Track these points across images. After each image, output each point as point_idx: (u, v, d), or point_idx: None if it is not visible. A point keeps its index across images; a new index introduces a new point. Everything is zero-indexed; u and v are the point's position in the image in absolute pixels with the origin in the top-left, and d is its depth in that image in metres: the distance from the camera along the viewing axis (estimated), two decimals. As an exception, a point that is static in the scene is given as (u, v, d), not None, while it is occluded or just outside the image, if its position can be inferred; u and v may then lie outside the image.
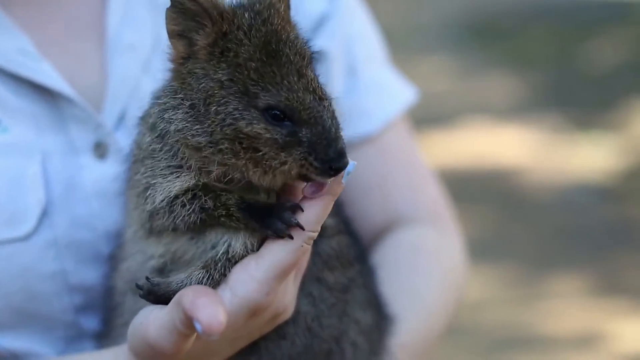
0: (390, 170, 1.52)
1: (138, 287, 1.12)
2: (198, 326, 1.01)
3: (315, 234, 1.07)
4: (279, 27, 1.07)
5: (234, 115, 1.04)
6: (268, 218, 1.05)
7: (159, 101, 1.11)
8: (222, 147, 1.05)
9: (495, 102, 6.25)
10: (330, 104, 1.06)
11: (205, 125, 1.05)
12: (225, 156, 1.05)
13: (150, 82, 1.37)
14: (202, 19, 1.05)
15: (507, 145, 5.62)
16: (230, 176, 1.07)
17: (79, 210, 1.32)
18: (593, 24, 7.71)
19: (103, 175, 1.33)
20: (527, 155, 5.52)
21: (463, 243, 1.57)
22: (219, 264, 1.09)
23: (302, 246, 1.06)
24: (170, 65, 1.11)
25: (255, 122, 1.04)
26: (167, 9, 1.06)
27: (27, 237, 1.29)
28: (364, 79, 1.52)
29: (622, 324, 3.98)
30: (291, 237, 1.04)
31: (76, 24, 1.39)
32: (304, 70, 1.06)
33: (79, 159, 1.33)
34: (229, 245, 1.09)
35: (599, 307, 4.11)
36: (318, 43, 1.43)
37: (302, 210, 1.04)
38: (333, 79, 1.46)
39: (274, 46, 1.05)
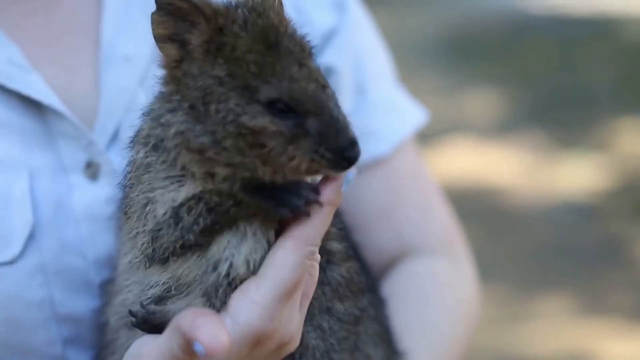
0: (400, 195, 1.45)
1: (132, 314, 1.04)
2: (199, 347, 0.93)
3: (317, 248, 1.00)
4: (275, 21, 1.01)
5: (235, 110, 0.97)
6: (282, 194, 0.98)
7: (151, 112, 1.04)
8: (226, 145, 0.98)
9: (479, 120, 6.22)
10: (334, 93, 1.00)
11: (207, 124, 0.98)
12: (231, 155, 0.98)
13: (147, 96, 1.29)
14: (194, 18, 0.99)
15: (491, 163, 5.59)
16: (238, 178, 1.00)
17: (68, 234, 1.23)
18: (577, 41, 7.73)
19: (94, 197, 1.24)
20: (511, 174, 5.50)
21: (475, 272, 1.50)
22: (220, 290, 1.01)
23: (304, 261, 0.98)
24: (161, 73, 1.04)
25: (259, 115, 0.97)
26: (153, 13, 1.00)
27: (12, 262, 1.19)
28: (374, 98, 1.45)
29: (611, 344, 3.93)
30: (308, 215, 0.97)
31: (69, 33, 1.30)
32: (305, 61, 1.00)
33: (69, 179, 1.24)
34: (230, 266, 1.01)
35: (586, 327, 4.07)
36: (326, 58, 1.37)
37: (319, 193, 0.98)
38: (341, 97, 1.38)
39: (272, 38, 0.99)
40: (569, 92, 6.72)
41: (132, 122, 1.23)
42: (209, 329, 0.94)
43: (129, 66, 1.29)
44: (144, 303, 1.04)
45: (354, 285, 1.15)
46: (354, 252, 1.20)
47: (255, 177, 0.99)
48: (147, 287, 1.07)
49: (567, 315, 4.15)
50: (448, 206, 1.54)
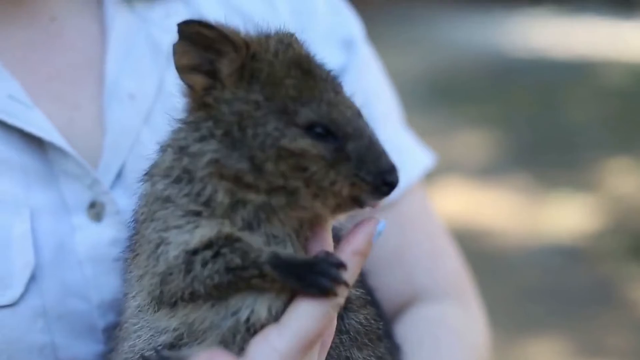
0: (410, 240, 1.42)
1: (144, 359, 1.00)
2: None
3: (343, 300, 0.96)
4: (302, 51, 1.01)
5: (274, 134, 0.96)
6: (310, 275, 0.94)
7: (175, 141, 1.01)
8: (267, 169, 0.95)
9: (464, 162, 6.22)
10: (367, 121, 1.00)
11: (244, 150, 0.96)
12: (272, 179, 0.96)
13: (151, 134, 1.25)
14: (222, 46, 0.98)
15: (478, 206, 5.58)
16: (269, 209, 0.97)
17: (70, 276, 1.18)
18: (558, 84, 7.80)
19: (98, 238, 1.19)
20: (498, 216, 5.48)
21: (485, 317, 1.47)
22: (238, 337, 0.97)
23: (329, 313, 0.95)
24: (184, 103, 1.02)
25: (299, 138, 0.96)
26: (177, 44, 0.98)
27: (13, 305, 1.14)
28: (382, 140, 1.42)
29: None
30: (336, 295, 0.94)
31: (71, 69, 1.26)
32: (339, 89, 1.00)
33: (71, 219, 1.19)
34: (252, 312, 0.97)
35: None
36: None
37: (346, 269, 0.94)
38: None
39: (305, 65, 0.99)
40: (552, 134, 6.75)
41: (138, 160, 1.19)
42: None
43: (133, 103, 1.25)
44: (158, 348, 0.99)
45: (372, 332, 1.11)
46: (370, 297, 1.16)
47: (291, 203, 0.96)
48: (157, 333, 1.02)
49: (562, 359, 4.11)
50: (456, 248, 1.51)
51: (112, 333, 1.15)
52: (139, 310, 1.04)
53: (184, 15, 1.33)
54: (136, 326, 1.05)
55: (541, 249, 5.10)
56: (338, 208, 0.99)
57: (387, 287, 1.37)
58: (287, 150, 0.95)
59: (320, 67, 1.01)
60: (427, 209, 1.48)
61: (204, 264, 0.97)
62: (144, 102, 1.26)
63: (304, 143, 0.96)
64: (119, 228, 1.20)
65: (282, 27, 1.04)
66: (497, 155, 6.42)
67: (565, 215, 5.42)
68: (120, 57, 1.26)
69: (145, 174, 1.05)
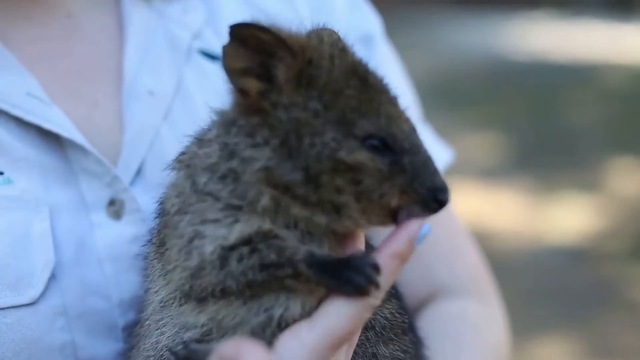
0: (433, 236, 1.40)
1: (172, 353, 0.98)
2: None
3: (378, 301, 0.94)
4: (356, 56, 1.00)
5: (331, 145, 0.94)
6: (346, 272, 0.92)
7: (222, 138, 0.98)
8: (321, 182, 0.94)
9: (466, 165, 6.21)
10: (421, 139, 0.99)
11: (300, 160, 0.94)
12: (324, 193, 0.94)
13: (170, 131, 1.24)
14: (277, 50, 0.95)
15: (480, 208, 5.57)
16: (313, 219, 0.95)
17: (90, 275, 1.16)
18: (558, 87, 7.80)
19: (118, 236, 1.18)
20: (500, 219, 5.48)
21: (505, 314, 1.46)
22: (268, 331, 0.96)
23: (363, 314, 0.93)
24: (233, 102, 1.00)
25: (356, 150, 0.94)
26: (227, 46, 0.95)
27: (33, 303, 1.12)
28: None
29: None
30: (369, 295, 0.92)
31: (90, 66, 1.25)
32: (395, 101, 0.99)
33: (91, 217, 1.18)
34: (286, 309, 0.95)
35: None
36: None
37: (380, 271, 0.92)
38: None
39: (362, 74, 0.98)
40: (553, 136, 6.75)
41: (158, 157, 1.17)
42: (254, 349, 0.88)
43: (153, 100, 1.24)
44: (186, 342, 0.97)
45: (397, 327, 1.10)
46: (394, 291, 1.15)
47: (334, 220, 0.95)
48: (183, 329, 1.00)
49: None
50: (476, 246, 1.50)
51: (132, 331, 1.14)
52: (162, 306, 1.02)
53: (201, 11, 1.32)
54: (160, 322, 1.03)
55: (545, 250, 5.10)
56: (379, 223, 0.97)
57: (407, 283, 1.36)
58: (344, 163, 0.94)
59: (375, 75, 0.99)
60: (449, 206, 1.47)
61: (240, 260, 0.95)
62: (163, 99, 1.24)
63: (362, 156, 0.94)
64: (139, 225, 1.18)
65: (301, 24, 1.02)
66: (499, 157, 6.42)
67: (569, 217, 5.42)
68: (138, 53, 1.25)
69: (178, 162, 1.03)
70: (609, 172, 6.03)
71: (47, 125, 1.17)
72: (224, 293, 0.97)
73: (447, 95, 7.67)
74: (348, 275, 0.92)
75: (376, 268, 0.92)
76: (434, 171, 0.96)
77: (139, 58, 1.25)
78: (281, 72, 0.96)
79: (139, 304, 1.14)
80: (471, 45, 9.59)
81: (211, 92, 1.23)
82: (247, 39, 0.95)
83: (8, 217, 1.13)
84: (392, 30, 1.49)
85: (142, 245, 1.15)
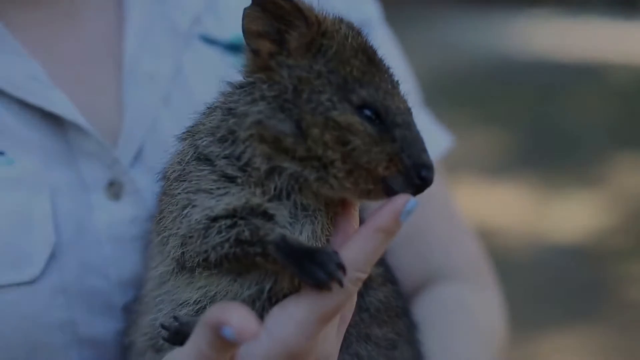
0: (429, 220, 1.42)
1: (164, 327, 0.99)
2: (228, 331, 0.87)
3: (364, 276, 0.95)
4: (369, 41, 1.04)
5: (326, 104, 0.97)
6: (309, 264, 0.93)
7: (225, 103, 1.02)
8: (311, 134, 0.96)
9: (469, 163, 6.21)
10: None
11: (293, 112, 0.97)
12: (312, 146, 0.96)
13: (169, 115, 1.25)
14: (294, 19, 1.00)
15: (482, 206, 5.57)
16: (302, 179, 0.97)
17: (90, 255, 1.18)
18: (562, 84, 7.80)
19: (117, 217, 1.20)
20: (503, 216, 5.48)
21: (503, 301, 1.47)
22: (258, 304, 0.98)
23: (348, 287, 0.94)
24: (244, 65, 1.03)
25: (348, 113, 0.97)
26: (248, 8, 1.00)
27: (33, 282, 1.14)
28: None
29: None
30: (330, 289, 0.93)
31: (90, 49, 1.26)
32: (396, 84, 1.02)
33: (90, 197, 1.20)
34: (275, 282, 0.97)
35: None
36: None
37: (346, 272, 0.93)
38: None
39: (370, 54, 1.02)
40: (556, 134, 6.75)
41: (157, 141, 1.19)
42: (239, 312, 0.88)
43: (152, 84, 1.25)
44: (176, 315, 0.99)
45: (391, 310, 1.12)
46: (390, 275, 1.16)
47: (322, 177, 0.97)
48: (179, 306, 1.02)
49: (581, 356, 4.10)
50: (474, 231, 1.51)
51: (131, 307, 1.15)
52: (160, 282, 1.04)
53: None
54: (158, 299, 1.05)
55: (548, 247, 5.10)
56: (367, 194, 0.98)
57: (403, 266, 1.36)
58: (335, 121, 0.96)
59: (382, 60, 1.03)
60: (445, 191, 1.48)
61: (219, 232, 0.97)
62: (163, 83, 1.26)
63: (354, 119, 0.97)
64: (138, 206, 1.20)
65: None
66: (503, 155, 6.42)
67: (573, 214, 5.42)
68: (138, 37, 1.27)
69: (186, 132, 1.05)
70: (613, 170, 6.03)
71: (49, 108, 1.18)
72: (206, 264, 0.99)
73: (450, 93, 7.66)
74: (310, 268, 0.93)
75: (341, 267, 0.93)
76: (423, 148, 0.98)
77: (139, 42, 1.27)
78: (293, 39, 1.00)
79: (138, 282, 1.16)
80: (474, 43, 9.59)
81: (210, 76, 1.24)
82: (268, 4, 0.99)
83: (10, 197, 1.15)
84: (393, 29, 1.50)
85: (142, 224, 1.17)
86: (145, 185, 1.20)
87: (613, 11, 10.62)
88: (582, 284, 4.73)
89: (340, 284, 0.92)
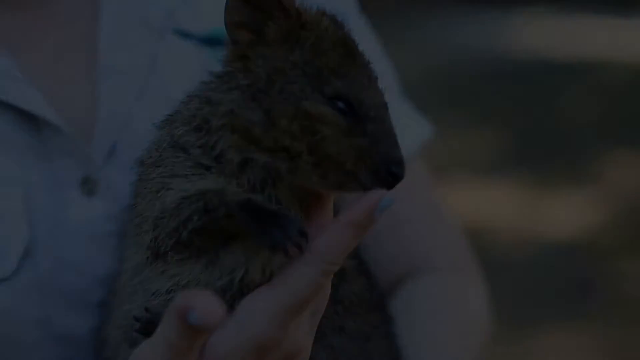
0: (408, 212, 1.40)
1: (136, 319, 0.98)
2: (193, 316, 0.86)
3: (336, 268, 0.94)
4: (350, 35, 1.03)
5: (298, 95, 0.96)
6: (270, 226, 0.92)
7: (203, 92, 1.01)
8: (279, 124, 0.95)
9: (464, 162, 6.22)
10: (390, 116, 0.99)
11: (264, 101, 0.96)
12: (279, 136, 0.95)
13: (144, 110, 1.25)
14: (274, 11, 0.99)
15: (478, 204, 5.57)
16: (274, 171, 0.96)
17: (65, 251, 1.18)
18: (558, 81, 7.80)
19: (92, 214, 1.20)
20: (498, 214, 5.48)
21: (487, 291, 1.46)
22: (228, 294, 0.97)
23: (318, 279, 0.93)
24: (226, 54, 1.02)
25: (320, 104, 0.96)
26: (230, 0, 0.99)
27: (7, 279, 1.14)
28: None
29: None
30: (286, 252, 0.91)
31: (64, 44, 1.26)
32: (374, 79, 1.01)
33: (64, 194, 1.20)
34: (246, 272, 0.96)
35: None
36: None
37: (308, 239, 0.92)
38: None
39: (349, 48, 1.00)
40: (551, 132, 6.75)
41: (131, 137, 1.19)
42: (204, 297, 0.88)
43: (126, 79, 1.25)
44: (147, 307, 0.98)
45: (365, 302, 1.12)
46: (364, 268, 1.16)
47: (292, 169, 0.96)
48: (151, 296, 1.01)
49: (580, 351, 4.10)
50: (457, 222, 1.49)
51: (106, 301, 1.16)
52: (135, 272, 1.04)
53: None
54: (130, 290, 1.05)
55: (542, 245, 5.10)
56: (338, 187, 0.97)
57: (384, 258, 1.36)
58: (305, 111, 0.95)
59: (362, 54, 1.02)
60: (427, 181, 1.47)
61: (190, 204, 0.96)
62: (137, 78, 1.26)
63: (324, 109, 0.96)
64: (113, 203, 1.20)
65: None
66: (497, 153, 6.42)
67: (567, 212, 5.43)
68: (112, 32, 1.26)
69: (164, 120, 1.05)
70: (606, 168, 6.04)
71: (21, 105, 1.18)
72: (178, 246, 0.98)
73: (445, 92, 7.66)
74: (269, 229, 0.92)
75: (302, 234, 0.92)
76: (394, 144, 0.96)
77: (113, 37, 1.26)
78: (271, 30, 0.99)
79: (114, 279, 1.16)
80: (470, 42, 9.58)
81: (185, 70, 1.24)
82: None
83: None
84: (389, 28, 1.49)
85: (118, 221, 1.17)
86: (119, 182, 1.20)
87: (610, 9, 10.63)
88: (576, 281, 4.73)
89: (300, 249, 0.91)
